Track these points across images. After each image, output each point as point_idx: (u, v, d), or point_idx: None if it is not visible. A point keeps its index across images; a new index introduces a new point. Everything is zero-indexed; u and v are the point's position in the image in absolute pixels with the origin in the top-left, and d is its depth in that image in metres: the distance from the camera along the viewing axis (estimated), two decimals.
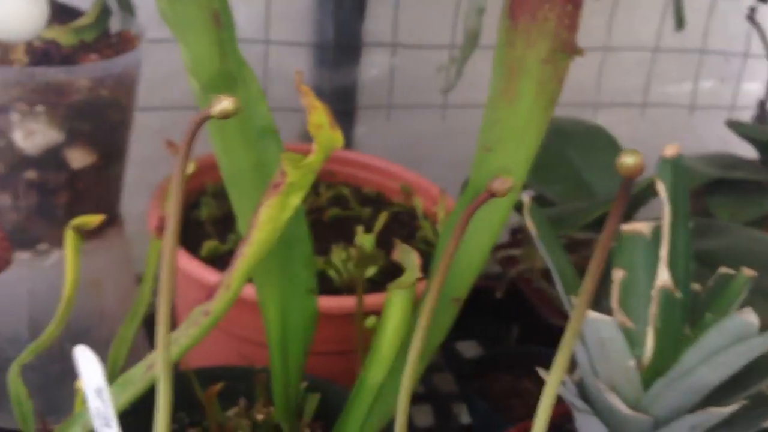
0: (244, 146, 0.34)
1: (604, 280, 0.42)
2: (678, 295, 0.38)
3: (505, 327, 0.69)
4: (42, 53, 0.49)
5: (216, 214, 0.60)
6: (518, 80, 0.32)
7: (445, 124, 0.84)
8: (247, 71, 0.33)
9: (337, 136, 0.30)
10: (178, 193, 0.20)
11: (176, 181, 0.20)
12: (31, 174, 0.51)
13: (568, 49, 0.32)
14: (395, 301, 0.33)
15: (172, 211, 0.23)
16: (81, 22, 0.51)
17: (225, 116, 0.21)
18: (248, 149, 0.34)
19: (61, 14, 0.53)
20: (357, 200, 0.64)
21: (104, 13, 0.53)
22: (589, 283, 0.20)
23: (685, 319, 0.37)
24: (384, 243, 0.55)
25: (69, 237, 0.43)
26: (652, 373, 0.35)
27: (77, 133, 0.51)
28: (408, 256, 0.33)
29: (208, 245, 0.55)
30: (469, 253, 0.35)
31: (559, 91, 0.33)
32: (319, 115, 0.29)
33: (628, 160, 0.20)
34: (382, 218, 0.59)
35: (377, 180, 0.67)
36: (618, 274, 0.40)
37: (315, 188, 0.64)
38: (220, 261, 0.54)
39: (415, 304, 0.35)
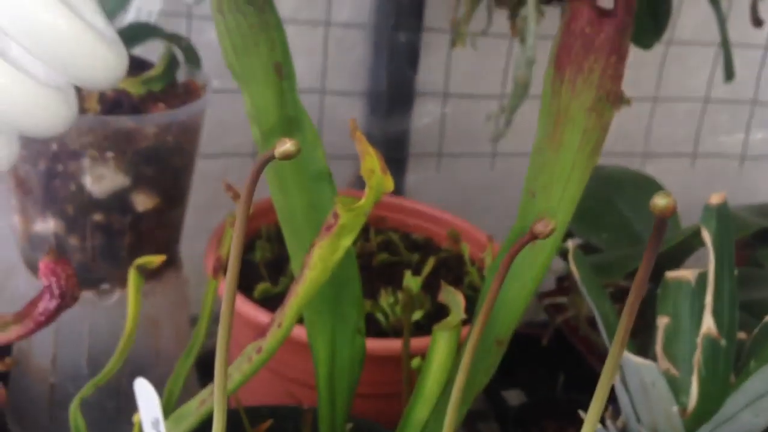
0: (299, 189, 0.36)
1: (651, 327, 0.43)
2: (723, 342, 0.38)
3: (551, 375, 0.69)
4: (113, 102, 0.52)
5: (269, 257, 0.62)
6: (563, 128, 0.33)
7: (494, 173, 0.85)
8: (305, 118, 0.36)
9: (388, 181, 0.31)
10: (240, 229, 0.22)
11: (239, 217, 0.22)
12: (98, 216, 0.54)
13: (612, 99, 0.33)
14: (440, 341, 0.34)
15: (234, 249, 0.24)
16: (150, 73, 0.54)
17: (287, 157, 0.23)
18: (303, 192, 0.36)
19: (131, 66, 0.56)
20: (406, 246, 0.66)
21: (172, 64, 0.56)
22: (625, 321, 0.21)
23: (730, 366, 0.37)
24: (431, 288, 0.57)
25: (132, 276, 0.45)
26: (695, 420, 0.35)
27: (142, 178, 0.53)
28: (453, 298, 0.34)
29: (261, 287, 0.57)
30: (512, 295, 0.35)
31: (603, 139, 0.35)
32: (371, 161, 0.31)
33: (660, 201, 0.21)
34: (429, 263, 0.60)
35: (426, 226, 0.68)
36: (663, 321, 0.40)
37: (365, 233, 0.66)
38: (272, 303, 0.56)
39: (460, 348, 0.36)
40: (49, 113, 0.26)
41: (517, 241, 0.28)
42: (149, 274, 0.47)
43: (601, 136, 0.34)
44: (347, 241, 0.32)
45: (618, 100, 0.34)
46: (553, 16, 0.61)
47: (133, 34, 0.56)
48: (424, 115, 0.81)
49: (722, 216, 0.42)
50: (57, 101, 0.26)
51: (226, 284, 0.23)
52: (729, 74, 0.64)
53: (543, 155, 0.34)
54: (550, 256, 0.35)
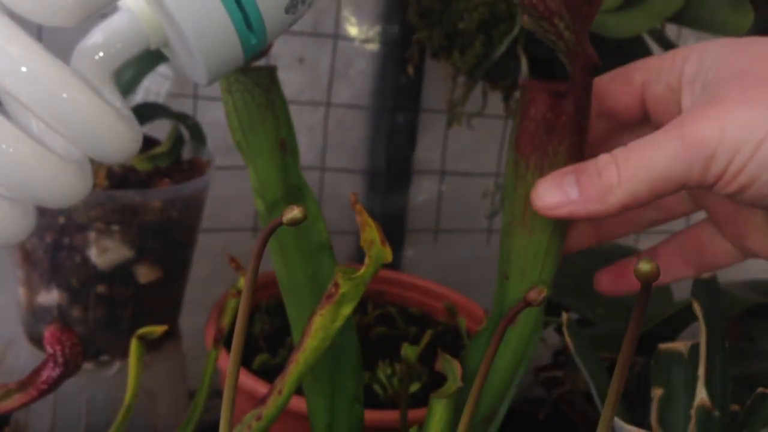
0: (301, 260, 0.37)
1: (646, 399, 0.43)
2: (716, 414, 0.39)
3: None
4: (121, 177, 0.54)
5: (268, 329, 0.63)
6: (533, 213, 0.33)
7: (490, 248, 0.87)
8: (308, 191, 0.37)
9: (387, 252, 0.32)
10: (249, 287, 0.23)
11: (248, 276, 0.23)
12: (101, 288, 0.55)
13: None
14: (437, 410, 0.35)
15: (239, 319, 0.26)
16: (157, 150, 0.56)
17: (294, 223, 0.24)
18: (305, 263, 0.37)
19: None
20: (403, 319, 0.66)
21: (178, 142, 0.58)
22: (615, 384, 0.22)
23: None
24: (428, 360, 0.57)
25: (134, 346, 0.46)
26: None
27: (146, 251, 0.55)
28: (450, 366, 0.35)
29: (260, 358, 0.57)
30: (494, 377, 0.36)
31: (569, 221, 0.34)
32: (371, 232, 0.32)
33: (644, 267, 0.22)
34: (426, 336, 0.61)
35: (423, 300, 0.69)
36: (657, 392, 0.41)
37: (363, 307, 0.67)
38: (271, 374, 0.56)
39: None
40: (67, 185, 0.28)
41: (507, 313, 0.29)
42: (149, 346, 0.47)
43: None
44: (347, 310, 0.33)
45: None
46: None
47: (141, 114, 0.58)
48: (421, 192, 0.83)
49: (712, 289, 0.43)
50: (74, 174, 0.28)
51: (234, 343, 0.24)
52: None
53: (514, 238, 0.34)
54: (530, 336, 0.36)
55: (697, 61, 0.32)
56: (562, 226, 0.34)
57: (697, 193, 0.38)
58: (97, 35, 0.30)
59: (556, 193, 0.31)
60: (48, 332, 0.40)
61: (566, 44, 0.30)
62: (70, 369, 0.40)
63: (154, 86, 0.61)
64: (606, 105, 0.35)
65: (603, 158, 0.30)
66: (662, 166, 0.29)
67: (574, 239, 0.39)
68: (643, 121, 0.35)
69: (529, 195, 0.32)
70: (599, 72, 0.34)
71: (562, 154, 0.32)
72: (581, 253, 0.73)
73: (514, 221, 0.34)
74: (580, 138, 0.32)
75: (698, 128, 0.29)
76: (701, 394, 0.39)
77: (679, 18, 0.53)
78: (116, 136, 0.27)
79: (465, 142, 0.82)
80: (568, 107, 0.31)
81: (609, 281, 0.40)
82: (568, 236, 0.36)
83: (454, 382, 0.34)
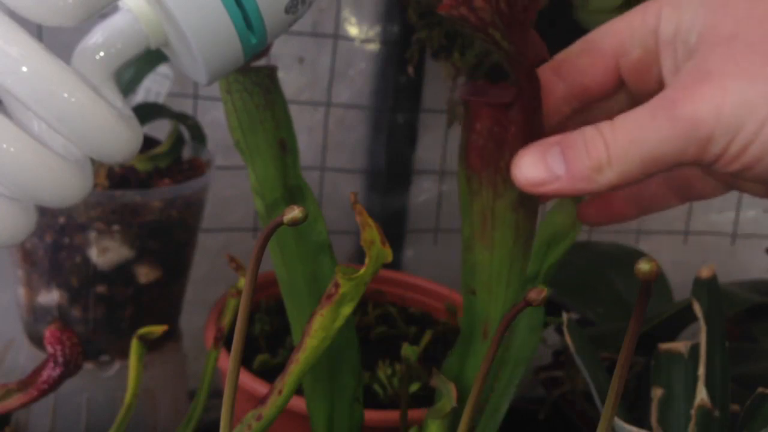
0: (301, 260, 0.37)
1: (646, 399, 0.43)
2: (717, 413, 0.39)
3: None
4: (121, 177, 0.54)
5: (268, 329, 0.63)
6: (493, 227, 0.32)
7: None
8: (307, 191, 0.37)
9: (387, 252, 0.32)
10: (249, 287, 0.23)
11: (249, 275, 0.23)
12: (101, 288, 0.55)
13: None
14: (432, 430, 0.34)
15: (239, 319, 0.26)
16: (157, 150, 0.56)
17: (294, 223, 0.24)
18: (305, 263, 0.37)
19: None
20: (403, 319, 0.66)
21: (178, 142, 0.58)
22: (616, 383, 0.22)
23: None
24: (429, 360, 0.57)
25: (134, 345, 0.46)
26: None
27: (146, 251, 0.55)
28: (444, 385, 0.35)
29: (260, 359, 0.57)
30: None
31: (534, 228, 0.33)
32: (371, 232, 0.32)
33: (644, 266, 0.22)
34: (426, 336, 0.61)
35: (423, 300, 0.69)
36: (657, 392, 0.41)
37: (363, 307, 0.67)
38: (271, 374, 0.56)
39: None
40: (67, 185, 0.28)
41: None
42: (149, 346, 0.47)
43: (532, 225, 0.33)
44: (347, 310, 0.33)
45: None
46: None
47: (141, 114, 0.58)
48: (421, 192, 0.83)
49: (712, 289, 0.43)
50: (75, 174, 0.28)
51: (234, 343, 0.24)
52: None
53: (476, 254, 0.33)
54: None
55: (672, 16, 0.29)
56: (524, 238, 0.32)
57: None
58: (98, 35, 0.30)
59: (541, 168, 0.28)
60: (48, 332, 0.40)
61: (506, 53, 0.28)
62: (70, 369, 0.40)
63: (154, 86, 0.61)
64: (576, 84, 0.33)
65: (589, 132, 0.28)
66: (655, 147, 0.27)
67: (614, 210, 0.36)
68: (617, 90, 0.33)
69: (485, 211, 0.31)
70: None
71: None
72: (581, 254, 0.73)
73: (475, 237, 0.32)
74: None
75: (691, 109, 0.26)
76: (701, 394, 0.39)
77: None
78: (117, 136, 0.27)
79: None
80: (517, 117, 0.29)
81: (595, 213, 0.37)
82: (606, 207, 0.34)
83: (448, 401, 0.34)
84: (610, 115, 0.31)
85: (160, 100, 0.62)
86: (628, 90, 0.33)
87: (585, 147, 0.28)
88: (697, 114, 0.26)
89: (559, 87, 0.32)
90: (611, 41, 0.31)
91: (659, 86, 0.31)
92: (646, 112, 0.27)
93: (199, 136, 0.60)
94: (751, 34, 0.27)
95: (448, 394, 0.34)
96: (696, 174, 0.35)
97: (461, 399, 0.35)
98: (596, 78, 0.32)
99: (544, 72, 0.32)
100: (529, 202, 0.32)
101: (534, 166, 0.28)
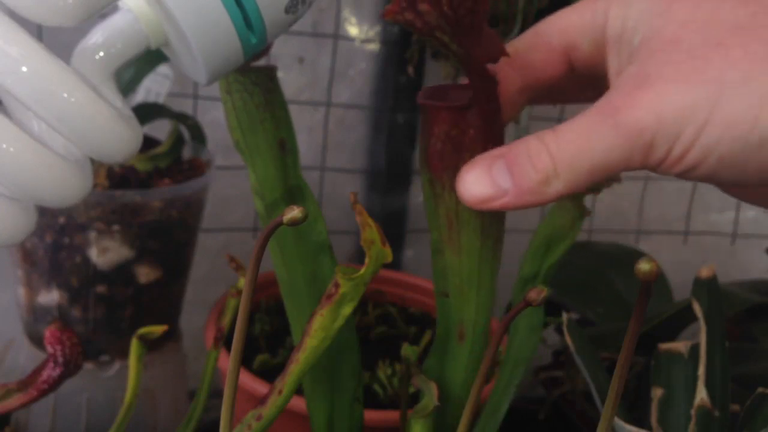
0: (301, 260, 0.37)
1: (646, 399, 0.43)
2: (717, 413, 0.39)
3: None
4: (121, 177, 0.54)
5: (268, 330, 0.63)
6: (459, 231, 0.32)
7: None
8: (307, 191, 0.37)
9: (387, 252, 0.32)
10: (249, 286, 0.23)
11: (249, 274, 0.23)
12: (101, 288, 0.55)
13: None
14: (416, 429, 0.35)
15: (239, 319, 0.26)
16: (157, 150, 0.56)
17: (294, 223, 0.24)
18: (305, 263, 0.37)
19: None
20: (403, 319, 0.66)
21: (178, 142, 0.58)
22: (616, 383, 0.22)
23: None
24: None
25: (134, 345, 0.46)
26: None
27: (146, 251, 0.55)
28: (426, 385, 0.35)
29: (260, 359, 0.57)
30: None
31: (502, 230, 0.33)
32: (371, 232, 0.32)
33: (644, 266, 0.22)
34: (426, 336, 0.61)
35: (423, 300, 0.69)
36: (657, 392, 0.41)
37: (363, 307, 0.67)
38: (271, 374, 0.56)
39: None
40: (67, 185, 0.28)
41: (510, 312, 0.29)
42: (149, 346, 0.47)
43: (500, 228, 0.33)
44: (347, 310, 0.33)
45: None
46: None
47: (142, 114, 0.58)
48: (421, 192, 0.83)
49: (712, 289, 0.43)
50: (75, 174, 0.28)
51: (234, 343, 0.24)
52: None
53: (445, 257, 0.33)
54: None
55: (620, 16, 0.29)
56: (492, 240, 0.32)
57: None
58: (98, 35, 0.30)
59: (487, 184, 0.28)
60: (48, 332, 0.40)
61: (455, 55, 0.28)
62: (70, 369, 0.40)
63: (154, 86, 0.61)
64: (530, 77, 0.32)
65: (532, 143, 0.28)
66: (601, 156, 0.27)
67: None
68: (570, 74, 0.33)
69: (450, 215, 0.30)
70: None
71: None
72: (581, 254, 0.73)
73: (443, 240, 0.32)
74: (495, 145, 0.30)
75: (632, 117, 0.27)
76: (701, 394, 0.39)
77: None
78: (116, 136, 0.27)
79: None
80: (474, 120, 0.29)
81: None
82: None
83: (431, 401, 0.34)
84: (565, 94, 0.31)
85: (160, 100, 0.62)
86: (581, 74, 0.33)
87: (530, 160, 0.28)
88: (640, 121, 0.27)
89: (514, 80, 0.32)
90: (562, 38, 0.31)
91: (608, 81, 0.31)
92: (590, 121, 0.27)
93: (199, 136, 0.60)
94: (692, 39, 0.27)
95: (429, 394, 0.35)
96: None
97: (443, 398, 0.35)
98: (549, 71, 0.32)
99: (500, 67, 0.31)
100: None
101: (479, 183, 0.28)
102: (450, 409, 0.37)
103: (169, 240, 0.56)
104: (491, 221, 0.32)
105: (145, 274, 0.56)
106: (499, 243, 0.33)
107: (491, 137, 0.30)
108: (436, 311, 0.69)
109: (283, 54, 0.74)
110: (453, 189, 0.30)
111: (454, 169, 0.30)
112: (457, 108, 0.29)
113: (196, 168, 0.59)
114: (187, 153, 0.61)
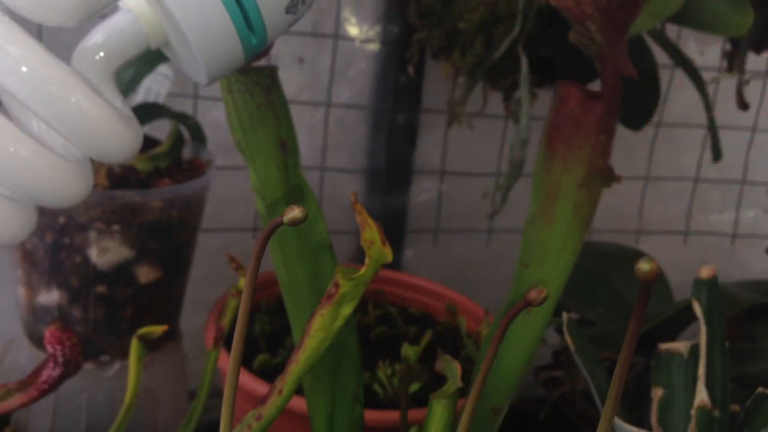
0: (301, 260, 0.37)
1: (646, 399, 0.43)
2: (717, 414, 0.39)
3: None
4: (121, 178, 0.54)
5: (268, 329, 0.63)
6: (555, 202, 0.35)
7: (490, 248, 0.87)
8: (308, 191, 0.37)
9: (387, 252, 0.32)
10: (249, 285, 0.23)
11: (249, 273, 0.23)
12: (101, 288, 0.55)
13: (602, 175, 0.35)
14: (437, 410, 0.35)
15: (239, 319, 0.26)
16: (157, 150, 0.56)
17: (295, 223, 0.24)
18: (305, 263, 0.37)
19: None
20: (403, 319, 0.66)
21: (178, 142, 0.58)
22: (616, 382, 0.22)
23: None
24: (429, 360, 0.57)
25: (134, 345, 0.46)
26: None
27: (146, 251, 0.55)
28: (449, 366, 0.35)
29: (260, 359, 0.57)
30: (507, 364, 0.36)
31: (593, 213, 0.36)
32: (371, 232, 0.32)
33: (644, 266, 0.22)
34: (426, 336, 0.61)
35: (423, 300, 0.69)
36: (657, 392, 0.41)
37: (363, 307, 0.67)
38: (271, 374, 0.56)
39: (457, 418, 0.36)
40: (67, 185, 0.28)
41: (510, 310, 0.29)
42: (149, 346, 0.47)
43: (590, 209, 0.36)
44: (347, 310, 0.33)
45: (608, 176, 0.36)
46: (546, 98, 0.63)
47: (142, 114, 0.58)
48: (421, 192, 0.83)
49: (712, 289, 0.43)
50: (75, 174, 0.28)
51: (234, 343, 0.24)
52: (716, 155, 0.66)
53: (536, 228, 0.36)
54: (543, 325, 0.37)
55: None
56: (582, 216, 0.35)
57: None
58: (98, 35, 0.30)
59: None
60: (48, 332, 0.40)
61: (597, 47, 0.31)
62: (70, 369, 0.40)
63: (154, 86, 0.61)
64: None
65: None
66: None
67: None
68: None
69: (552, 187, 0.34)
70: (631, 81, 0.34)
71: (587, 149, 0.33)
72: (581, 254, 0.73)
73: (538, 212, 0.35)
74: (606, 139, 0.33)
75: None
76: (701, 394, 0.39)
77: (679, 18, 0.53)
78: (117, 137, 0.27)
79: (465, 142, 0.82)
80: (598, 108, 0.33)
81: None
82: None
83: (453, 383, 0.34)
84: None
85: (160, 100, 0.62)
86: None
87: None
88: None
89: None
90: None
91: None
92: None
93: (199, 136, 0.60)
94: None
95: (453, 375, 0.35)
96: None
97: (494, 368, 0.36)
98: None
99: None
100: (592, 183, 0.35)
101: None
102: (497, 383, 0.37)
103: (169, 240, 0.56)
104: (587, 198, 0.35)
105: (145, 274, 0.56)
106: (588, 222, 0.36)
107: (606, 129, 0.33)
108: (436, 311, 0.69)
109: (283, 54, 0.74)
110: (562, 161, 0.34)
111: (568, 145, 0.34)
112: (587, 91, 0.33)
113: (196, 168, 0.59)
114: (187, 153, 0.61)
